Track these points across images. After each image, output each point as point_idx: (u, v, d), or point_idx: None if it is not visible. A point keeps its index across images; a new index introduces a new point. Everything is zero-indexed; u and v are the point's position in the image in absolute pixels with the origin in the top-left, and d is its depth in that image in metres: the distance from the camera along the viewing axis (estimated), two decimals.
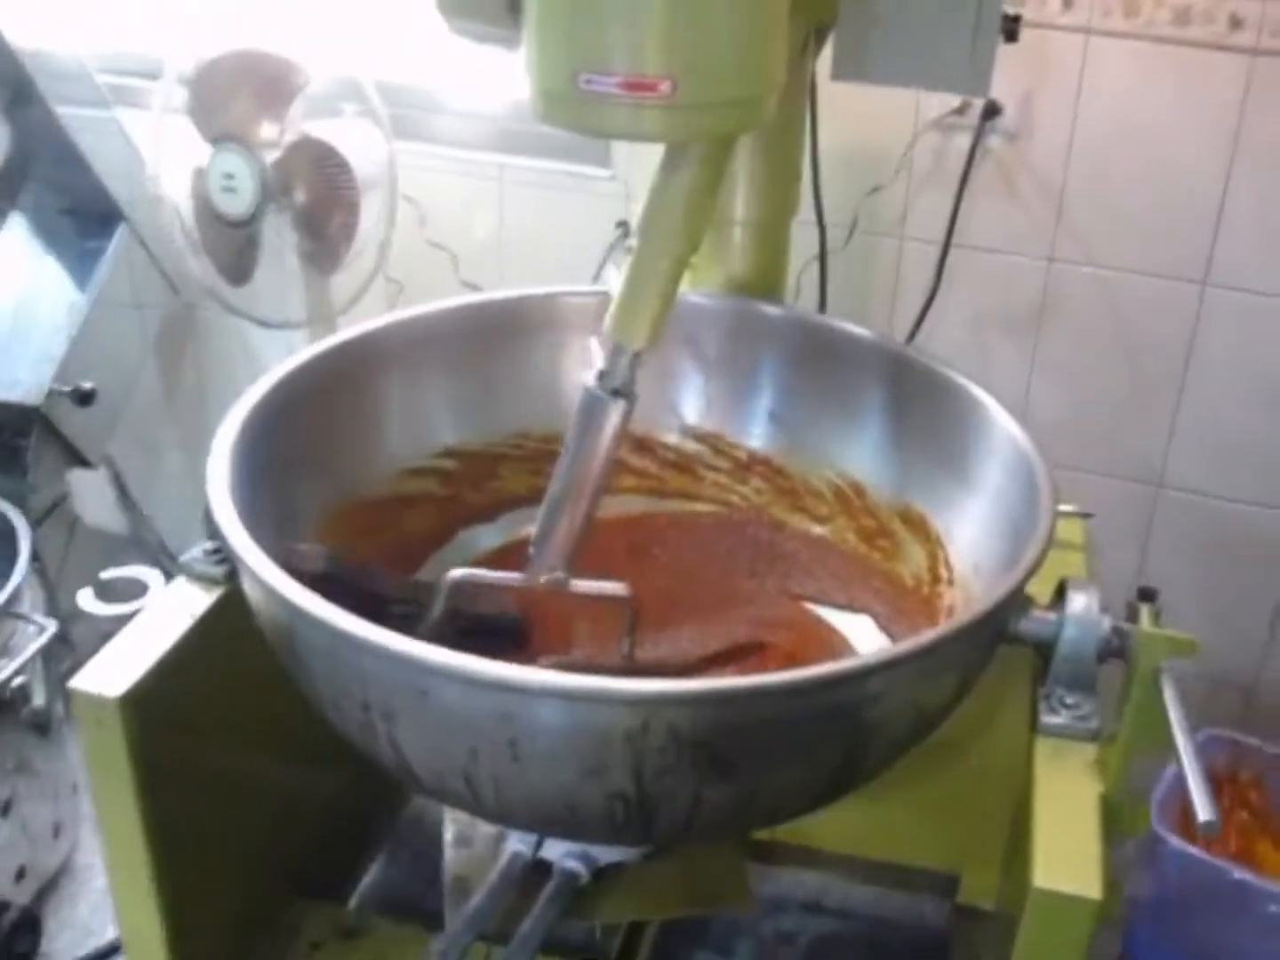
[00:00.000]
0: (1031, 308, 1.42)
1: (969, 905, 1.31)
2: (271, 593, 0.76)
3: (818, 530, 1.12)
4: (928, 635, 0.74)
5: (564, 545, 0.92)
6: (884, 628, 1.05)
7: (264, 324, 1.39)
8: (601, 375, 0.90)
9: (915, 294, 1.45)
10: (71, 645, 1.49)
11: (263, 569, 0.77)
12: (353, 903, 1.27)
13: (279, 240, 1.35)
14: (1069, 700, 0.88)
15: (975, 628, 0.77)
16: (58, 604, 1.55)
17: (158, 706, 0.89)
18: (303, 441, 1.01)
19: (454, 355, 1.12)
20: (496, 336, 1.13)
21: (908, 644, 0.74)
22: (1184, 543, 1.49)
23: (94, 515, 1.84)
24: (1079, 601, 0.89)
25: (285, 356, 1.74)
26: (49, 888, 1.38)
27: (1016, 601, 0.81)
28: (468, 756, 0.74)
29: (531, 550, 0.93)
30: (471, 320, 1.13)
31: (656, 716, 0.69)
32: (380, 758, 0.79)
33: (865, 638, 1.05)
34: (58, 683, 1.45)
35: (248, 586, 0.83)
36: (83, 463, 1.57)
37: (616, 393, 0.90)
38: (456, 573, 0.95)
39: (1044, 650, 0.90)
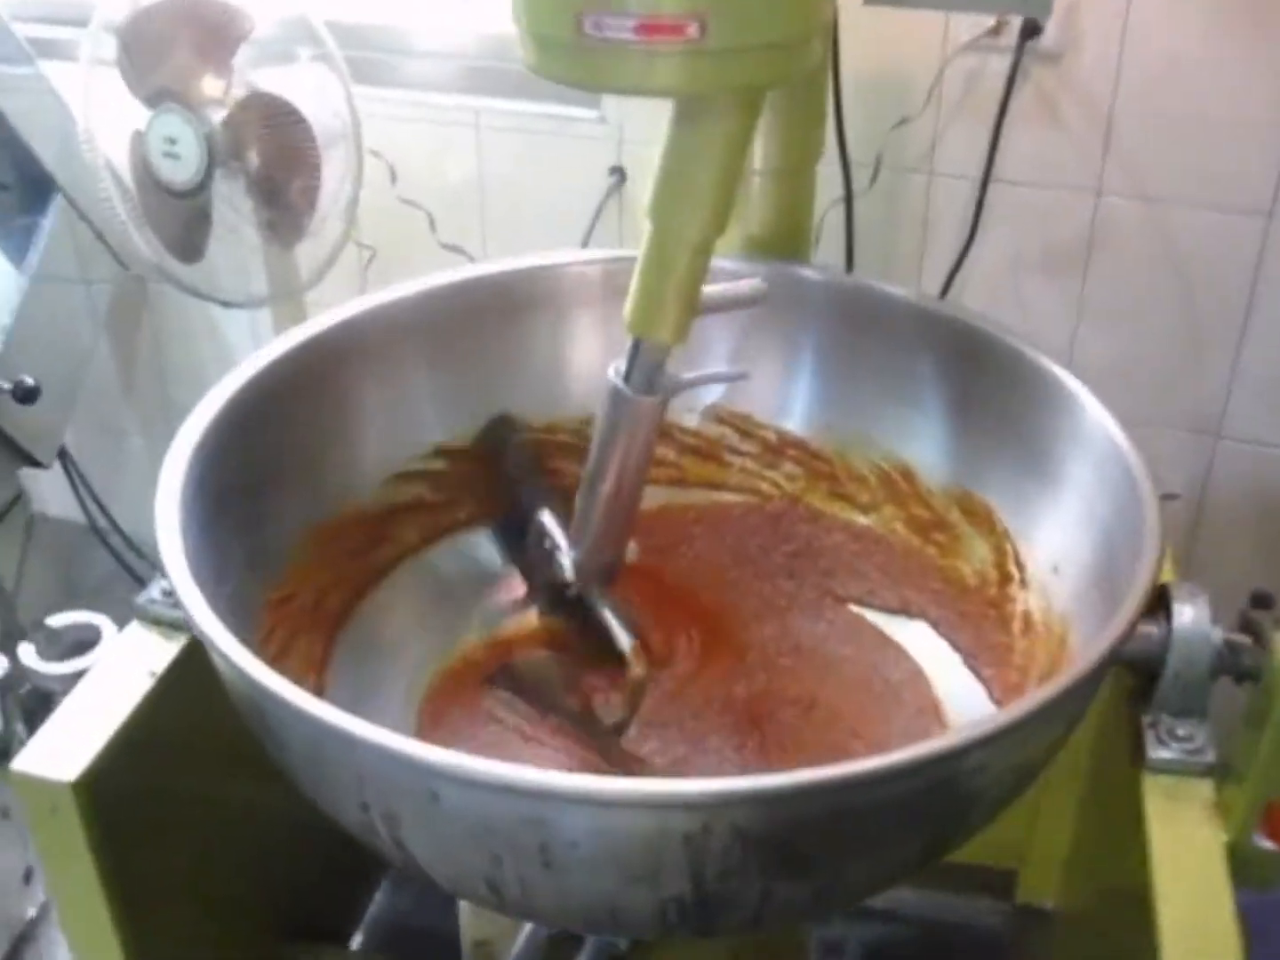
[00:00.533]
0: (1077, 246, 1.28)
1: (1028, 904, 1.22)
2: (241, 675, 0.63)
3: (861, 520, 1.00)
4: (1038, 696, 0.61)
5: (599, 560, 0.82)
6: (945, 635, 0.93)
7: (224, 303, 1.23)
8: (627, 372, 0.77)
9: (947, 234, 1.30)
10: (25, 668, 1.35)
11: (227, 645, 0.63)
12: (357, 941, 1.18)
13: (233, 210, 1.19)
14: (1180, 731, 0.76)
15: (1091, 677, 0.64)
16: (15, 616, 1.41)
17: (119, 783, 0.77)
18: (269, 456, 0.88)
19: (440, 340, 0.98)
20: (489, 316, 0.99)
21: (1017, 710, 0.60)
22: (1244, 499, 1.36)
23: (54, 510, 1.70)
24: (1187, 614, 0.77)
25: (248, 329, 1.61)
26: (24, 938, 1.26)
27: (1130, 635, 0.67)
28: (490, 863, 0.61)
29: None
30: (458, 298, 0.98)
31: (720, 818, 0.56)
32: (383, 853, 0.66)
33: (926, 650, 0.93)
34: (16, 706, 1.33)
35: (213, 658, 0.69)
36: (33, 463, 1.43)
37: (645, 390, 0.77)
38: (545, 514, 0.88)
39: (1146, 670, 0.78)
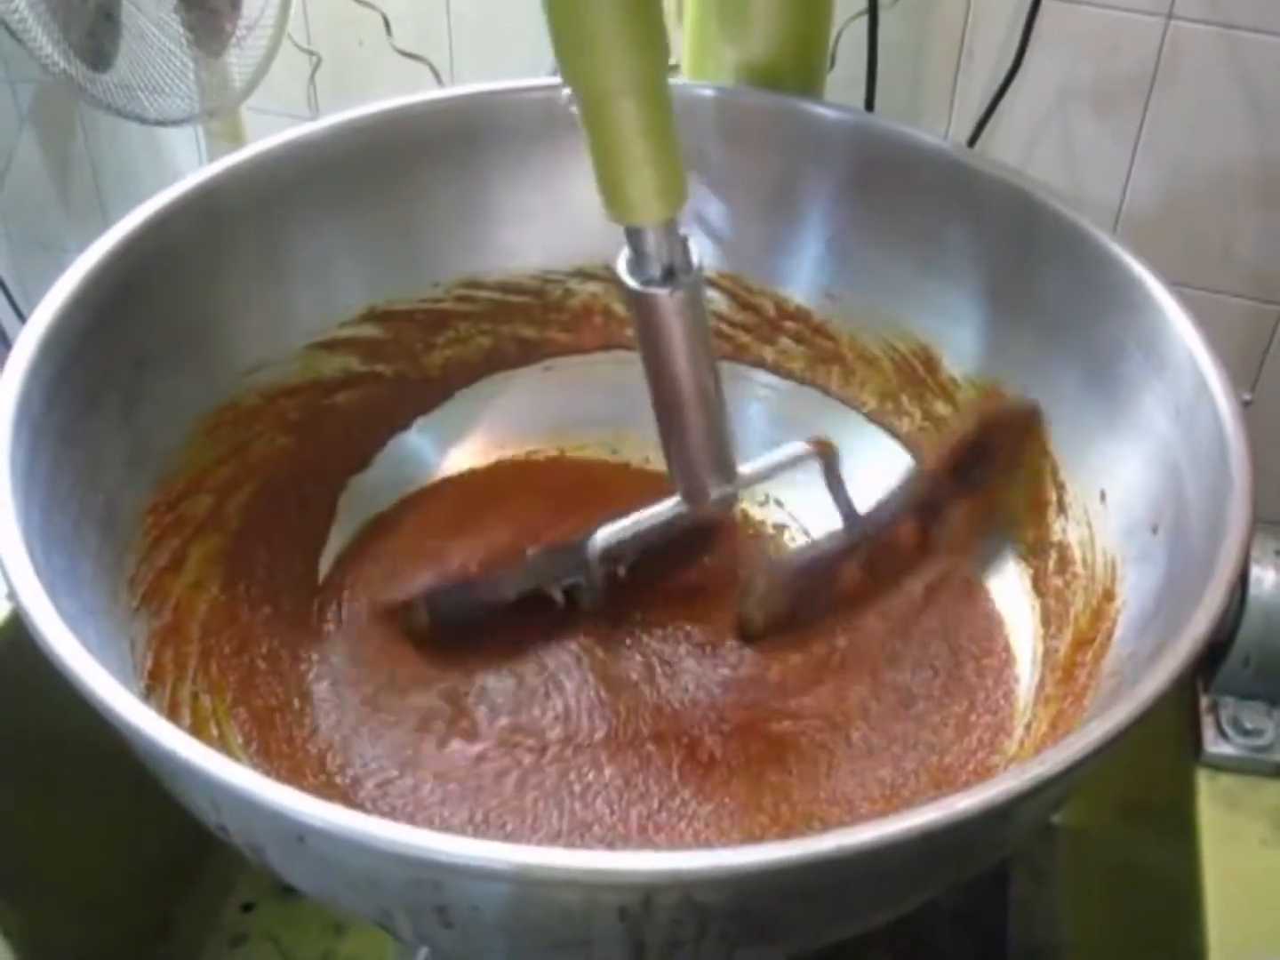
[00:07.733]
0: (1138, 79, 1.09)
1: None
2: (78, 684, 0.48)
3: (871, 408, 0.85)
4: (1105, 724, 0.47)
5: (707, 458, 0.68)
6: None
7: (139, 119, 1.05)
8: (633, 264, 0.61)
9: (987, 59, 1.11)
10: None
11: (60, 644, 0.48)
12: None
13: (141, 11, 1.00)
14: (1247, 724, 0.62)
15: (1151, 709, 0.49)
16: None
17: None
18: (157, 327, 0.72)
19: (369, 182, 0.81)
20: (430, 152, 0.82)
21: (1075, 746, 0.46)
22: None
23: None
24: (1268, 581, 0.62)
25: (191, 136, 1.43)
26: None
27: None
28: (378, 913, 0.48)
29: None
30: (389, 131, 0.81)
31: (665, 892, 0.43)
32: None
33: None
34: None
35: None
36: None
37: (663, 279, 0.61)
38: (603, 534, 0.70)
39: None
